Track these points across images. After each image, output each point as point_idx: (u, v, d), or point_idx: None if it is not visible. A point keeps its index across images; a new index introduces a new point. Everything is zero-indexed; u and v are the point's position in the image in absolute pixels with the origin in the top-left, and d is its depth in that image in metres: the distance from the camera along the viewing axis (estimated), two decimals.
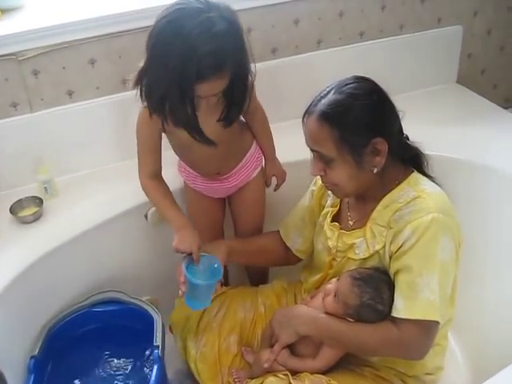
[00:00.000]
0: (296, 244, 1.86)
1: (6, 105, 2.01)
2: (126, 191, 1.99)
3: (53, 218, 1.94)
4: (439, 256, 1.43)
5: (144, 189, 1.77)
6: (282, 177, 2.02)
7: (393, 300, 1.47)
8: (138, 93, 1.56)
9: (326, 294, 1.57)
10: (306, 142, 1.52)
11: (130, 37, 2.04)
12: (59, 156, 2.10)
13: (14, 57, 1.94)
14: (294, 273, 1.92)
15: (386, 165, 1.49)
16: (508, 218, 1.96)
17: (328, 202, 1.74)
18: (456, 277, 1.52)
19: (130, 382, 1.83)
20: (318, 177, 1.66)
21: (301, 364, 1.59)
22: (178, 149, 1.81)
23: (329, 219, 1.70)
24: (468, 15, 2.55)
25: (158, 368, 1.69)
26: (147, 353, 1.86)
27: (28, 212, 1.94)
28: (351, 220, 1.64)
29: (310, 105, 1.51)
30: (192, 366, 1.76)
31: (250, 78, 1.60)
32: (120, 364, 1.87)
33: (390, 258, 1.50)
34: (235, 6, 1.50)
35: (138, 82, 1.55)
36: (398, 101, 1.50)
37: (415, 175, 1.55)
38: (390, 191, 1.53)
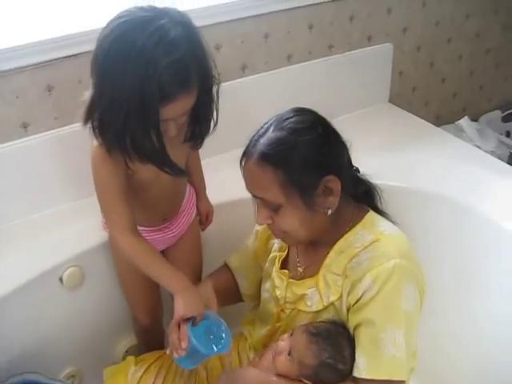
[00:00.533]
0: (242, 286, 1.67)
1: None
2: (34, 251, 1.71)
3: None
4: (403, 307, 1.27)
5: (127, 249, 1.46)
6: (211, 215, 1.83)
7: (354, 357, 1.30)
8: (90, 129, 1.31)
9: (277, 353, 1.38)
10: (247, 188, 1.34)
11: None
12: None
13: None
14: (233, 322, 1.69)
15: (339, 204, 1.33)
16: (461, 246, 1.85)
17: (275, 245, 1.57)
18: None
19: None
20: None
21: None
22: (133, 191, 1.49)
23: (277, 265, 1.52)
24: (397, 32, 2.45)
25: None
26: None
27: None
28: (300, 267, 1.47)
29: (248, 146, 1.33)
30: None
31: (215, 84, 1.38)
32: None
33: (348, 310, 1.33)
34: None
35: (89, 116, 1.29)
36: None
37: (370, 215, 1.40)
38: (343, 234, 1.37)
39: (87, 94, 1.29)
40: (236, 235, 1.73)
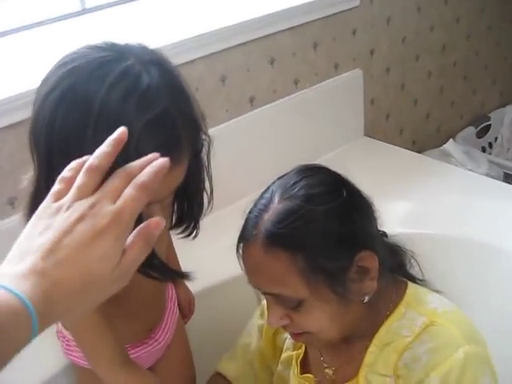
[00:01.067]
0: None
1: None
2: None
3: None
4: None
5: None
6: (193, 303, 1.42)
7: None
8: None
9: None
10: (252, 282, 0.98)
11: None
12: None
13: None
14: None
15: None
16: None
17: (287, 341, 1.20)
18: None
19: None
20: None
21: None
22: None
23: (297, 369, 1.15)
24: (365, 55, 2.14)
25: None
26: None
27: None
28: (329, 368, 1.12)
29: (246, 226, 0.97)
30: None
31: (205, 143, 0.97)
32: None
33: None
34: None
35: (35, 205, 0.84)
36: None
37: (412, 290, 1.06)
38: (384, 321, 1.03)
39: (27, 179, 0.89)
40: (225, 325, 1.39)
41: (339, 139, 2.13)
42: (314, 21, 1.93)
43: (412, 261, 1.13)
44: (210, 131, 1.46)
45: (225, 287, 1.52)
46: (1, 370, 0.55)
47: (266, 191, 1.00)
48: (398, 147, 2.12)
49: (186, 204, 1.01)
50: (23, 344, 0.56)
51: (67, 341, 1.20)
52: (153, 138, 0.82)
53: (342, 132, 2.14)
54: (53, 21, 1.65)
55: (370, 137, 2.22)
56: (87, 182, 0.63)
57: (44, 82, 0.87)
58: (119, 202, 0.62)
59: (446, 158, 2.28)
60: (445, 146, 2.33)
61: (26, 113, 0.91)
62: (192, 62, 1.68)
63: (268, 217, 0.94)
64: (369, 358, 1.03)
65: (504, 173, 2.31)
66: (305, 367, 1.16)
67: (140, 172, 0.63)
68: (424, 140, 2.60)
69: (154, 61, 0.87)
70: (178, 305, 1.35)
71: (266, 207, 0.96)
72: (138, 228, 0.63)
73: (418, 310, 1.02)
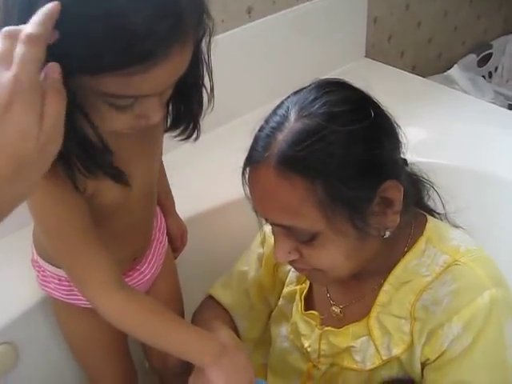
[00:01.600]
0: (242, 329, 1.19)
1: None
2: None
3: None
4: (510, 360, 0.86)
5: (117, 316, 0.93)
6: (185, 235, 1.32)
7: None
8: None
9: None
10: (260, 211, 0.88)
11: None
12: None
13: None
14: None
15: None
16: None
17: (290, 274, 1.11)
18: None
19: None
20: (269, 232, 1.03)
21: None
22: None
23: (300, 305, 1.07)
24: None
25: None
26: None
27: None
28: (336, 306, 1.03)
29: (255, 146, 0.86)
30: None
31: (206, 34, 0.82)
32: None
33: (424, 366, 0.91)
34: None
35: None
36: None
37: (432, 224, 0.96)
38: (401, 257, 0.94)
39: None
40: (219, 249, 1.32)
41: (339, 59, 2.00)
42: None
43: (430, 192, 1.03)
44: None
45: (222, 212, 1.41)
46: None
47: (279, 107, 0.87)
48: (401, 70, 2.00)
49: (184, 102, 0.89)
50: None
51: (43, 271, 1.09)
52: (158, 17, 0.69)
53: (342, 51, 2.00)
54: None
55: (371, 58, 2.09)
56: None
57: None
58: (13, 67, 0.57)
59: (449, 84, 2.15)
60: (449, 71, 2.20)
61: None
62: None
63: (283, 137, 0.82)
64: (382, 296, 0.94)
65: (509, 104, 2.18)
66: (309, 304, 1.07)
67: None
68: (424, 65, 2.48)
69: None
70: (169, 236, 1.25)
71: (281, 126, 0.83)
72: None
73: (439, 246, 0.92)
